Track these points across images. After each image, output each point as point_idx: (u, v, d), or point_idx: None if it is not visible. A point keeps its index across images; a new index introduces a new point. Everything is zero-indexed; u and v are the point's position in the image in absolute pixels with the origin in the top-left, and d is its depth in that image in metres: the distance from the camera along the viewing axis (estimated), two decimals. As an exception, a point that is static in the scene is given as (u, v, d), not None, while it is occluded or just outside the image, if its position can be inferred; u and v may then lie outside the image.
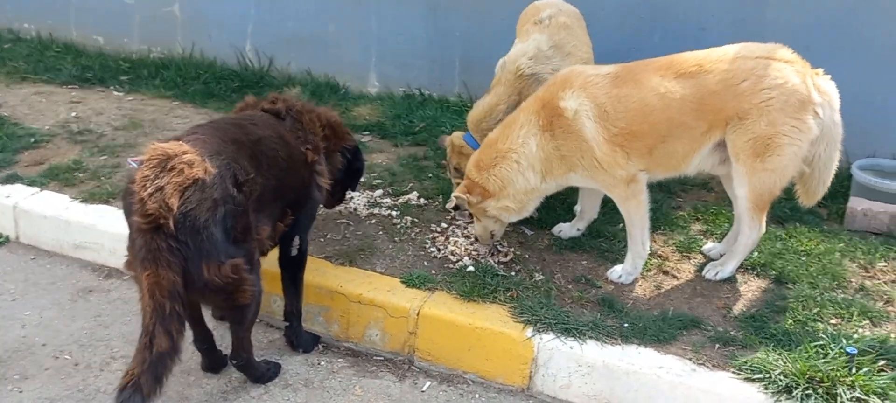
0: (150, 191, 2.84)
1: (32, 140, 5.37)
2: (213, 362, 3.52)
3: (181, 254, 2.85)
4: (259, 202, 3.23)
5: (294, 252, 3.63)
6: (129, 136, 5.52)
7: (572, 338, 3.45)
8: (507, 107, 4.30)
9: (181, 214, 2.83)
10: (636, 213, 3.74)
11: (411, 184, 4.88)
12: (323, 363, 3.68)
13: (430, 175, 5.03)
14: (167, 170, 2.89)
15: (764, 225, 3.83)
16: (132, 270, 3.05)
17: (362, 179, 4.78)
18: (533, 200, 3.84)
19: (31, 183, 4.76)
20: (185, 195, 2.85)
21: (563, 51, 4.40)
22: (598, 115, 3.55)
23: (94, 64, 6.94)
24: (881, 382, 3.14)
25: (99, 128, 5.64)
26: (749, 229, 3.78)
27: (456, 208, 4.36)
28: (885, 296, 3.83)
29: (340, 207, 4.52)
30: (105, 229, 4.32)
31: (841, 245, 4.28)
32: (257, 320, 3.76)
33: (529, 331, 3.49)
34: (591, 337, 3.45)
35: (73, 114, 5.90)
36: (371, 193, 4.72)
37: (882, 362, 3.26)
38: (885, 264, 4.11)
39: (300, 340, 3.72)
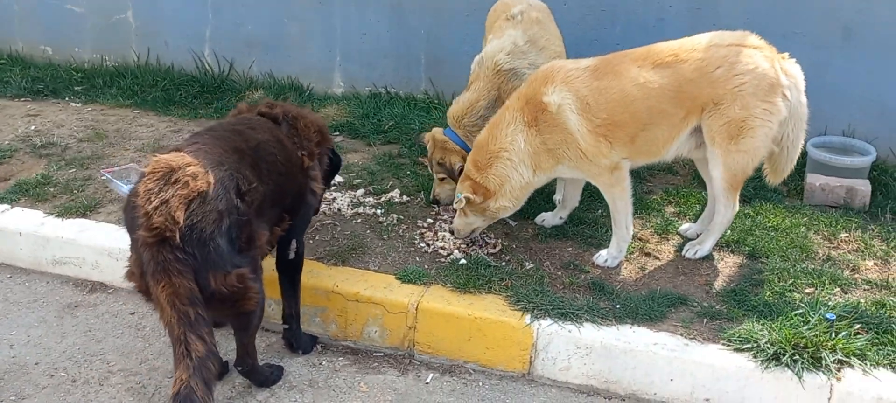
0: (155, 204, 2.83)
1: (-7, 156, 5.22)
2: (216, 369, 3.52)
3: (189, 265, 2.85)
4: (259, 209, 3.26)
5: (291, 255, 3.66)
6: (96, 148, 5.41)
7: (570, 322, 3.58)
8: (487, 103, 4.41)
9: (187, 227, 2.84)
10: (620, 199, 3.90)
11: (391, 182, 4.94)
12: (324, 362, 3.72)
13: (409, 172, 5.10)
14: (171, 182, 2.90)
15: (737, 203, 4.04)
16: (133, 281, 3.04)
17: (342, 179, 4.85)
18: (525, 195, 3.97)
19: (0, 200, 4.63)
20: (190, 208, 2.86)
21: (538, 45, 4.53)
22: (581, 108, 3.69)
23: (45, 75, 6.74)
24: (859, 344, 3.37)
25: (62, 140, 5.51)
26: (724, 208, 3.98)
27: (436, 201, 4.46)
28: (851, 265, 4.09)
29: (325, 208, 4.55)
30: (86, 243, 4.25)
31: (805, 219, 4.54)
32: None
33: (528, 318, 3.61)
34: (587, 320, 3.59)
35: (33, 127, 5.74)
36: (353, 193, 4.77)
37: (857, 326, 3.50)
38: (847, 235, 4.38)
39: (300, 342, 3.76)
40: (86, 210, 4.52)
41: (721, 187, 3.87)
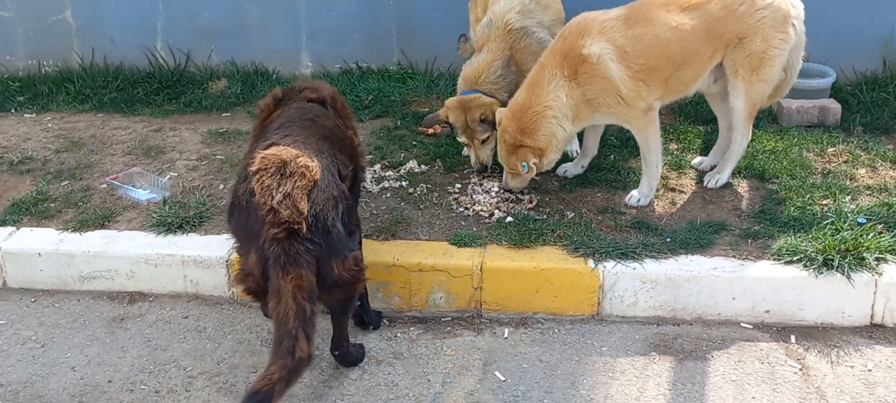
0: (278, 198, 2.83)
1: (-33, 179, 4.85)
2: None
3: (315, 255, 2.86)
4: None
5: (353, 234, 3.68)
6: (79, 157, 5.12)
7: (631, 261, 3.79)
8: (502, 62, 4.50)
9: (312, 216, 2.86)
10: (653, 139, 4.14)
11: (403, 154, 4.97)
12: (399, 334, 3.77)
13: (414, 142, 5.15)
14: (287, 175, 2.90)
15: (751, 132, 4.36)
16: (248, 282, 2.99)
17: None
18: (565, 146, 4.12)
19: (2, 223, 4.34)
20: (311, 197, 2.88)
21: (542, 3, 4.68)
22: (620, 56, 3.88)
23: (-22, 88, 6.28)
24: (886, 241, 3.77)
25: (38, 154, 5.18)
26: (741, 137, 4.29)
27: (484, 167, 4.50)
28: (848, 174, 4.52)
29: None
30: (117, 254, 4.07)
31: (794, 140, 4.94)
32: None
33: (591, 262, 3.79)
34: (646, 256, 3.81)
35: (-3, 144, 5.36)
36: (372, 169, 4.77)
37: (880, 226, 3.90)
38: (834, 149, 4.82)
39: (371, 318, 3.79)
40: (103, 220, 4.31)
41: (741, 117, 4.17)
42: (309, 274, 2.82)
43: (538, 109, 3.94)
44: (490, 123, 4.36)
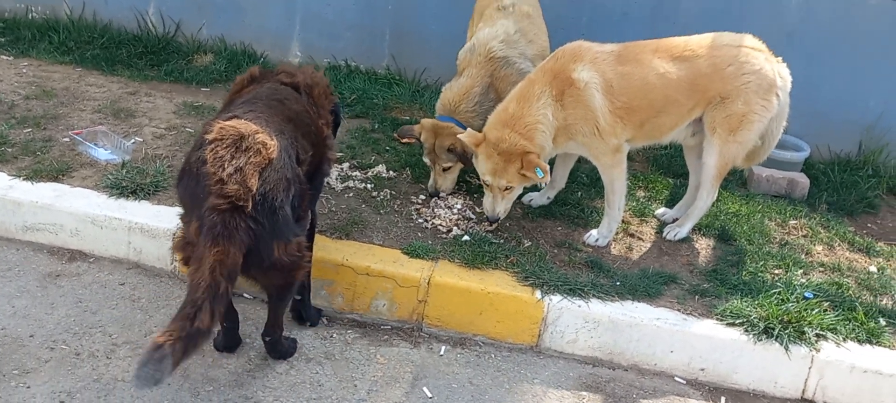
0: (228, 171, 2.79)
1: (-72, 112, 4.78)
2: (232, 341, 3.47)
3: (254, 234, 2.82)
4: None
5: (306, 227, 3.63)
6: (47, 107, 5.06)
7: (578, 298, 3.77)
8: (481, 89, 4.50)
9: (260, 195, 2.82)
10: (618, 180, 4.14)
11: (374, 157, 4.95)
12: (335, 335, 3.73)
13: (387, 147, 5.12)
14: (243, 149, 2.87)
15: (717, 192, 4.37)
16: (186, 252, 2.94)
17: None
18: None
19: (-48, 160, 4.28)
20: (263, 176, 2.85)
21: (527, 37, 4.69)
22: (605, 89, 3.90)
23: (-42, 24, 6.20)
24: (831, 320, 3.77)
25: (6, 97, 5.11)
26: (707, 194, 4.31)
27: (437, 193, 4.48)
28: (805, 249, 4.54)
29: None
30: (64, 209, 4.01)
31: (758, 206, 4.96)
32: (250, 297, 3.82)
33: (538, 293, 3.77)
34: (593, 296, 3.80)
35: (-34, 81, 5.29)
36: (339, 166, 4.74)
37: (826, 303, 3.91)
38: (796, 222, 4.84)
39: (309, 313, 3.74)
40: (57, 174, 4.25)
41: (711, 174, 4.18)
42: (236, 253, 2.77)
43: (530, 121, 3.90)
44: (456, 154, 4.36)
